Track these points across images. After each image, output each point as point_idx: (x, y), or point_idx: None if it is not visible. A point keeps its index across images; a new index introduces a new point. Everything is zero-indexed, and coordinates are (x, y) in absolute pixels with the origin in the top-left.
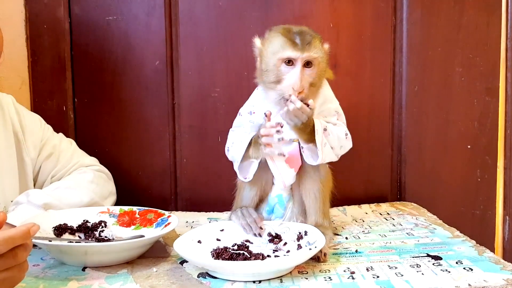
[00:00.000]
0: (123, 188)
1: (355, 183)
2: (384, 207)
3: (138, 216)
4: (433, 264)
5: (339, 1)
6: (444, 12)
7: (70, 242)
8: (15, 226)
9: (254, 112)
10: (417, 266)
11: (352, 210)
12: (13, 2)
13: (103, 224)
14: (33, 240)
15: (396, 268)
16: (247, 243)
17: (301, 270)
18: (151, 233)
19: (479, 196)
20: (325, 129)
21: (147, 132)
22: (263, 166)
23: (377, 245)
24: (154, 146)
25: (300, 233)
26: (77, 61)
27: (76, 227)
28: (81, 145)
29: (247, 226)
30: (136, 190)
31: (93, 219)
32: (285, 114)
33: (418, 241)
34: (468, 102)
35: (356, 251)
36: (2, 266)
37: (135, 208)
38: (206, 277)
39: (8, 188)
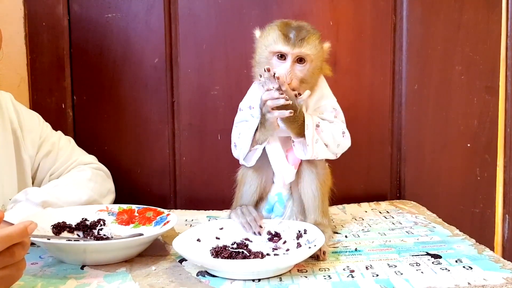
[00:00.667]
0: (122, 186)
1: (354, 182)
2: (384, 205)
3: (137, 214)
4: (432, 262)
5: None
6: (444, 10)
7: (69, 240)
8: (13, 224)
9: (253, 107)
10: (416, 265)
11: (352, 208)
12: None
13: (101, 222)
14: (32, 239)
15: (395, 266)
16: (247, 242)
17: (300, 268)
18: (150, 231)
19: (478, 195)
20: (317, 126)
21: (146, 130)
22: (264, 161)
23: (376, 244)
24: (153, 144)
25: (299, 231)
26: (76, 58)
27: (75, 225)
28: (80, 143)
29: (247, 224)
30: (135, 188)
31: (91, 217)
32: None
33: (417, 239)
34: (468, 101)
35: (356, 249)
36: None
37: (134, 206)
38: (205, 275)
39: (6, 186)
